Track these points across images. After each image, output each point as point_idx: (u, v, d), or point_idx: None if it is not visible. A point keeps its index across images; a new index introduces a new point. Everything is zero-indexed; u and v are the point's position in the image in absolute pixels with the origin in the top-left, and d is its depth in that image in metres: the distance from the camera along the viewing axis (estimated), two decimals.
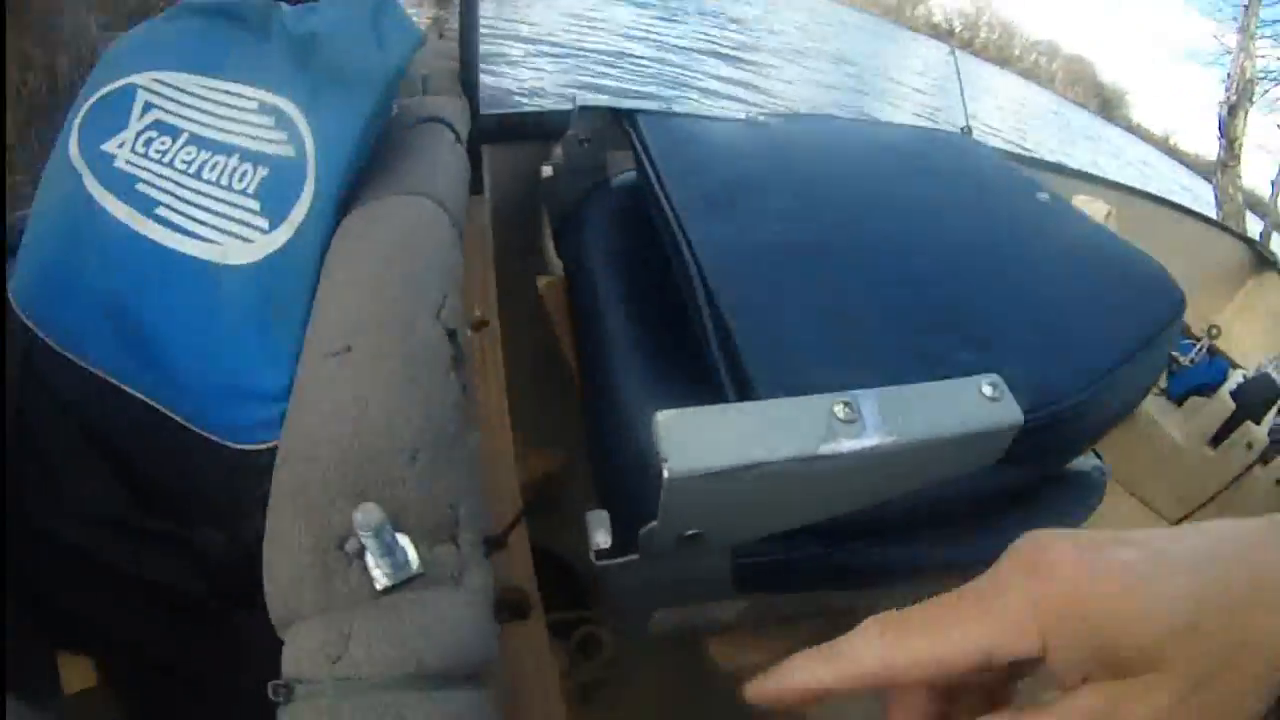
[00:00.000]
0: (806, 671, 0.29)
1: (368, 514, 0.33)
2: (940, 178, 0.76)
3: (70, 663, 0.62)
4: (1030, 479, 0.64)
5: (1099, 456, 0.74)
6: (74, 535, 0.57)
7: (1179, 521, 1.30)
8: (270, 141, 0.57)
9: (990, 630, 0.26)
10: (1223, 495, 1.27)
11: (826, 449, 0.42)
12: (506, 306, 0.67)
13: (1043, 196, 0.76)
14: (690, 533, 0.44)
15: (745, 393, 0.49)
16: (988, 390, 0.49)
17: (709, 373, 0.52)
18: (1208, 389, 1.33)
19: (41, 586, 0.60)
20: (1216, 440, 1.30)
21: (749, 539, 0.48)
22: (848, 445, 0.43)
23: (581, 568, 0.82)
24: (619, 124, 0.76)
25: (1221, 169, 2.13)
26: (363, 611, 0.34)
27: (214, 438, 0.55)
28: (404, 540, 0.37)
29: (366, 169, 0.56)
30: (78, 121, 0.62)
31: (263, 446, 0.53)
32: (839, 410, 0.43)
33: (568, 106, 0.80)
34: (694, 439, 0.40)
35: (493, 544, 0.43)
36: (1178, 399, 1.36)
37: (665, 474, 0.39)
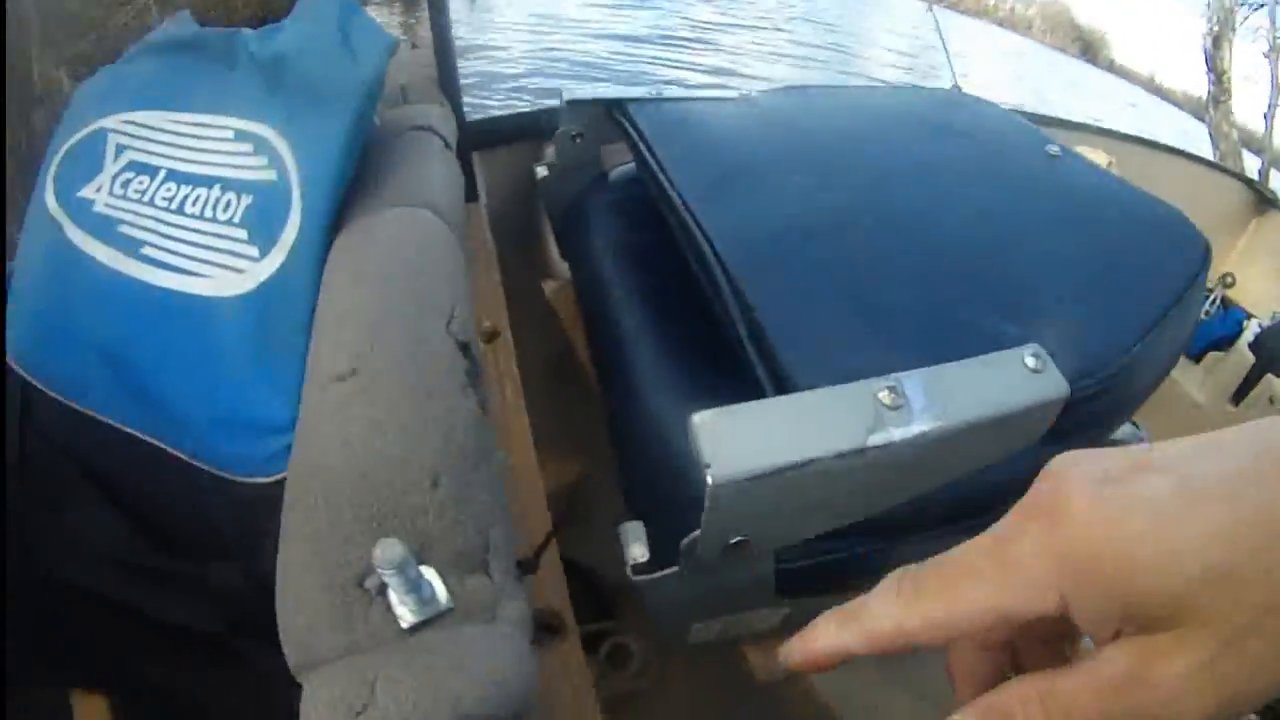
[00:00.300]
0: (829, 636, 0.28)
1: (388, 549, 0.30)
2: (947, 138, 0.73)
3: (85, 702, 0.60)
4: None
5: (1135, 424, 0.72)
6: (87, 579, 0.56)
7: None
8: (251, 168, 0.54)
9: (1003, 590, 0.24)
10: None
11: (876, 439, 0.39)
12: (514, 316, 0.64)
13: (1052, 149, 0.72)
14: (735, 540, 0.41)
15: (783, 385, 0.45)
16: (1030, 362, 0.46)
17: (738, 366, 0.49)
18: (1225, 342, 1.29)
19: (55, 629, 0.58)
20: (1238, 397, 1.25)
21: (795, 541, 0.45)
22: (897, 434, 0.40)
23: (607, 578, 0.80)
24: (610, 116, 0.73)
25: (1213, 105, 2.07)
26: (389, 654, 0.31)
27: (223, 474, 0.53)
28: (430, 574, 0.34)
29: (355, 184, 0.53)
30: (51, 173, 0.60)
31: (274, 479, 0.51)
32: (884, 396, 0.40)
33: (555, 103, 0.77)
34: (735, 440, 0.36)
35: (525, 568, 0.40)
36: (1195, 355, 1.32)
37: (709, 481, 0.35)
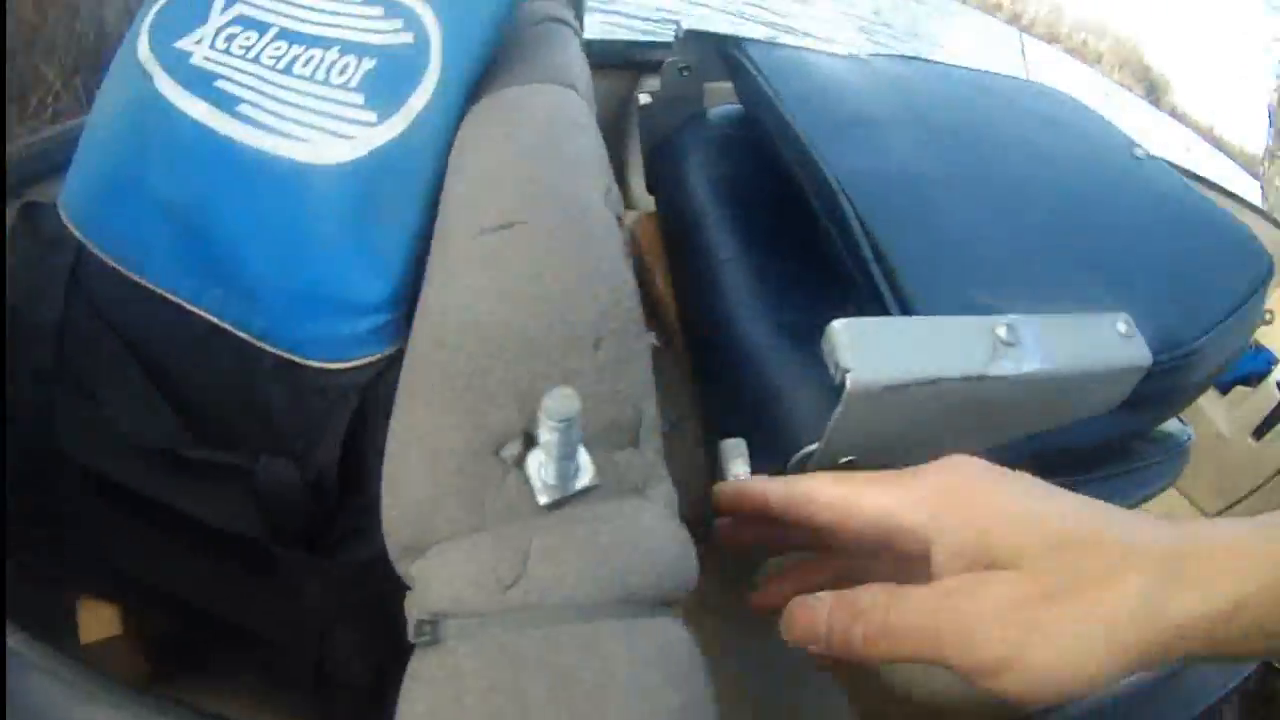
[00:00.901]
0: (761, 485, 0.37)
1: (562, 401, 0.28)
2: (1048, 124, 0.78)
3: (93, 610, 0.59)
4: (1131, 433, 0.67)
5: (1183, 422, 0.78)
6: (118, 471, 0.54)
7: (1218, 515, 1.35)
8: (379, 32, 0.54)
9: (893, 499, 0.33)
10: (1263, 490, 1.32)
11: (995, 370, 0.43)
12: None
13: (1138, 151, 0.79)
14: (845, 460, 0.45)
15: (906, 310, 0.49)
16: (1121, 328, 0.51)
17: (837, 298, 0.53)
18: (1253, 378, 1.36)
19: (73, 530, 0.57)
20: (1260, 432, 1.33)
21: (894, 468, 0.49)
22: (1010, 368, 0.44)
23: None
24: (720, 54, 0.76)
25: (1269, 159, 2.19)
26: (535, 525, 0.29)
27: (292, 356, 0.52)
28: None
29: (495, 59, 0.53)
30: (147, 23, 0.59)
31: (351, 364, 0.51)
32: (1001, 332, 0.45)
33: (668, 39, 0.79)
34: (872, 349, 0.39)
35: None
36: (1223, 387, 1.39)
37: (847, 384, 0.38)
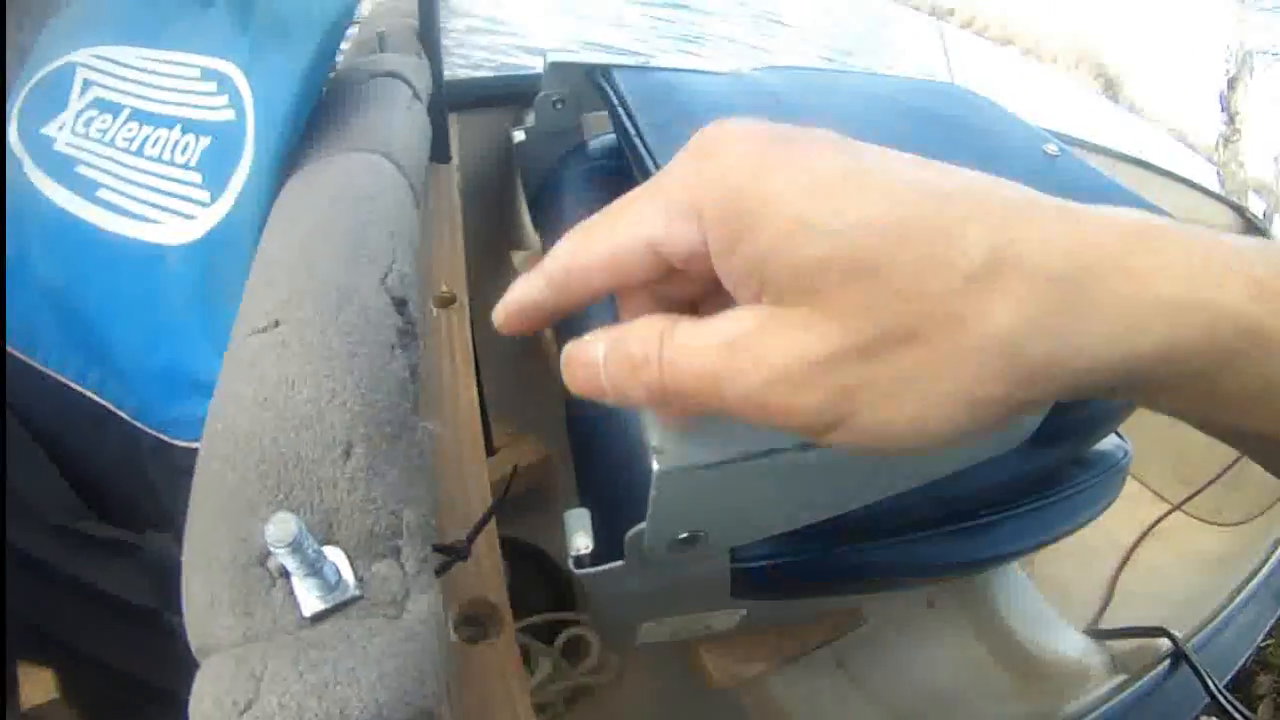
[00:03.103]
0: (519, 289, 0.24)
1: (280, 526, 0.25)
2: (944, 128, 0.67)
3: (30, 675, 0.55)
4: (1052, 463, 0.56)
5: (1121, 436, 0.66)
6: (27, 544, 0.51)
7: (1184, 503, 1.20)
8: (213, 109, 0.49)
9: (652, 214, 0.21)
10: (1225, 476, 1.17)
11: None
12: (481, 285, 0.59)
13: (1050, 148, 0.67)
14: (684, 535, 0.36)
15: None
16: None
17: None
18: None
19: (3, 597, 0.55)
20: None
21: (752, 539, 0.40)
22: None
23: (566, 566, 0.75)
24: (593, 83, 0.67)
25: (1224, 144, 2.01)
26: (281, 647, 0.27)
27: (160, 435, 0.48)
28: (337, 556, 0.29)
29: (314, 128, 0.48)
30: (17, 106, 0.55)
31: None
32: None
33: (538, 70, 0.71)
34: (689, 423, 0.32)
35: (455, 554, 0.35)
36: None
37: (654, 466, 0.30)
